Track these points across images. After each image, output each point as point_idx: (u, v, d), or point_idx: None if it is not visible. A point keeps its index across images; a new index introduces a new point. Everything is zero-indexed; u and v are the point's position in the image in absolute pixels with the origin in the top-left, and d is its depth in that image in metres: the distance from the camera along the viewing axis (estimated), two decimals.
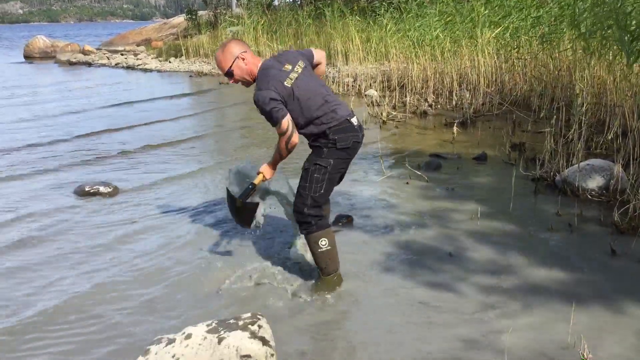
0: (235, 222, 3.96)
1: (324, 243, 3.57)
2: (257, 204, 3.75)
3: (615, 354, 2.84)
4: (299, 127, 3.51)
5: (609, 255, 3.97)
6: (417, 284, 3.66)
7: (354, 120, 3.55)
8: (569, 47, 7.97)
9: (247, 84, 3.63)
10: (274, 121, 3.37)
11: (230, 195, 3.77)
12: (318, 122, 3.48)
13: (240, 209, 3.70)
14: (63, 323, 3.33)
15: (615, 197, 4.92)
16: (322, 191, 3.54)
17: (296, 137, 3.44)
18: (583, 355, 2.72)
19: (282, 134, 3.39)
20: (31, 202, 5.44)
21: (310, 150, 3.61)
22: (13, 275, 3.97)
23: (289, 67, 3.50)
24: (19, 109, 11.13)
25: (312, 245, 3.58)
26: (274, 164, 3.63)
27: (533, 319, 3.20)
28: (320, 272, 3.67)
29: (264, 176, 3.65)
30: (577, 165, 5.27)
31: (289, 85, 3.43)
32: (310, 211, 3.53)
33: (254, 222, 3.78)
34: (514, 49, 9.54)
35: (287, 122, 3.37)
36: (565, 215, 4.70)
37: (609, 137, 6.51)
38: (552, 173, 5.63)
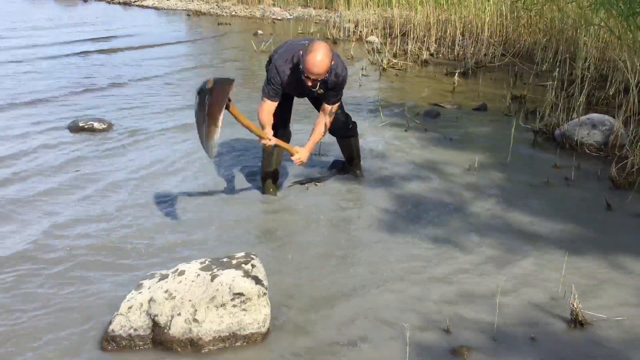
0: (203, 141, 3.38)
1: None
2: (232, 81, 3.33)
3: (605, 306, 2.86)
4: None
5: (604, 209, 3.97)
6: (412, 234, 3.65)
7: None
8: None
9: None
10: (340, 98, 3.95)
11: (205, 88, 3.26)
12: None
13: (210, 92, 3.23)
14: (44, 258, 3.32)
15: (614, 152, 4.90)
16: None
17: None
18: (572, 305, 2.74)
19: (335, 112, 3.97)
20: (23, 136, 5.34)
21: None
22: None
23: None
24: (13, 40, 10.84)
25: (358, 142, 4.49)
26: (310, 149, 3.96)
27: (525, 269, 3.21)
28: (358, 160, 4.52)
29: (299, 159, 3.90)
30: (577, 119, 5.22)
31: None
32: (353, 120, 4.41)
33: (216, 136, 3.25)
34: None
35: None
36: (562, 168, 4.68)
37: (611, 93, 6.45)
38: (551, 126, 5.58)
